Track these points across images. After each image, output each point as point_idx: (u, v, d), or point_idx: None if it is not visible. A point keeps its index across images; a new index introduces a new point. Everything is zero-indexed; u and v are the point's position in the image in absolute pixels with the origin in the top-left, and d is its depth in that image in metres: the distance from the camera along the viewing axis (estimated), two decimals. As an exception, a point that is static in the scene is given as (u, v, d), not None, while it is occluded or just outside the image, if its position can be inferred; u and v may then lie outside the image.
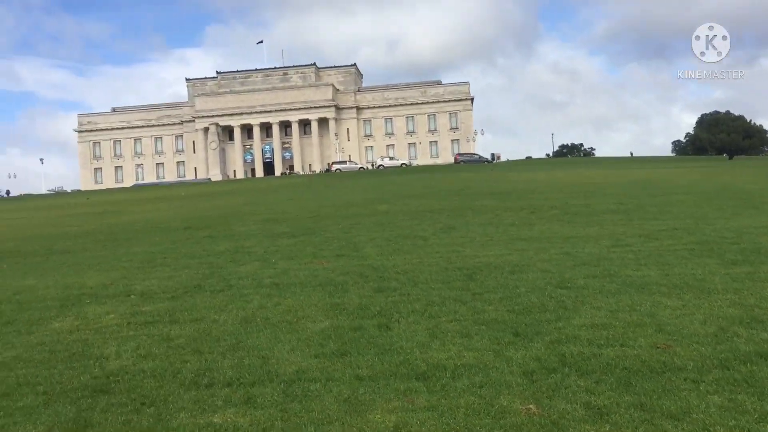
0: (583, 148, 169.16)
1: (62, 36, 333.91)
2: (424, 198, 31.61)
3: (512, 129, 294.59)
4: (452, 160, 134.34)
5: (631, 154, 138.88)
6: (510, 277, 11.78)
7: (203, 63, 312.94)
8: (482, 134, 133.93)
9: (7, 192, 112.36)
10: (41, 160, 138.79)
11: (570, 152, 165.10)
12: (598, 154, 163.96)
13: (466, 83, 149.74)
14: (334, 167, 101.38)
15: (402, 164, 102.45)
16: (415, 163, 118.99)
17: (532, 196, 29.56)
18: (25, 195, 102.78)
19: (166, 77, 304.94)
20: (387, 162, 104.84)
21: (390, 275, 12.49)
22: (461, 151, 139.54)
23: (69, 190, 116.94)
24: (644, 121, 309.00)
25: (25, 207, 58.74)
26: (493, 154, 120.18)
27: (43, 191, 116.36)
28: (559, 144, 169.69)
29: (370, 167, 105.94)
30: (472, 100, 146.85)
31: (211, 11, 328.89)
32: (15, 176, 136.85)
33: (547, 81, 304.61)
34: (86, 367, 7.95)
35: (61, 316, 10.83)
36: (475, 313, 9.40)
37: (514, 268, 12.50)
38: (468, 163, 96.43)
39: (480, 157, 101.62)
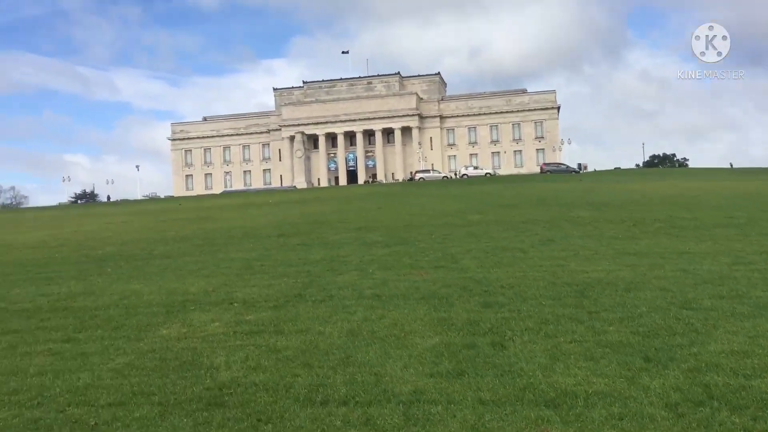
0: (675, 159, 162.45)
1: (157, 48, 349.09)
2: (515, 208, 30.81)
3: (598, 139, 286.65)
4: (537, 170, 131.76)
5: (731, 165, 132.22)
6: (626, 295, 11.07)
7: (288, 73, 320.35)
8: (569, 143, 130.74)
9: (108, 197, 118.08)
10: (137, 167, 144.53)
11: (661, 163, 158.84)
12: (692, 164, 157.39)
13: (553, 92, 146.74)
14: (418, 176, 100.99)
15: (486, 173, 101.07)
16: (498, 172, 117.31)
17: (631, 208, 28.32)
18: (122, 200, 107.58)
19: (254, 87, 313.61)
20: (471, 171, 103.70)
21: (495, 289, 12.00)
22: (547, 161, 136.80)
23: (162, 196, 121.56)
24: (741, 131, 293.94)
25: (124, 212, 61.07)
26: (579, 164, 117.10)
27: (139, 197, 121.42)
28: (650, 154, 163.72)
29: (453, 176, 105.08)
30: (558, 108, 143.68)
31: (297, 23, 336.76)
32: (112, 182, 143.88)
33: (636, 89, 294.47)
34: (198, 378, 7.85)
35: (168, 322, 10.89)
36: (596, 333, 8.81)
37: (629, 285, 11.77)
38: (554, 173, 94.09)
39: (567, 167, 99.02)
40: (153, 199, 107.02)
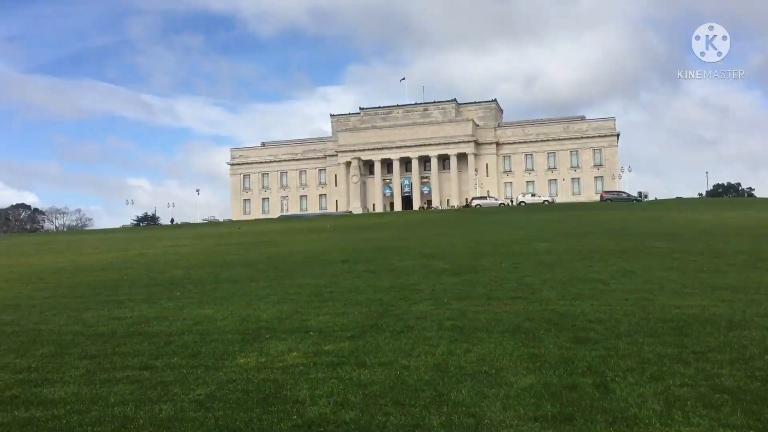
0: (741, 188, 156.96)
1: (217, 76, 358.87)
2: (583, 237, 29.87)
3: (657, 167, 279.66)
4: (595, 198, 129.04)
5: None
6: (729, 333, 10.29)
7: (344, 99, 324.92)
8: (629, 171, 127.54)
9: (172, 220, 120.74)
10: (197, 191, 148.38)
11: (726, 192, 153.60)
12: (758, 194, 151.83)
13: (612, 119, 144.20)
14: (474, 203, 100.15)
15: (544, 201, 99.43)
16: (556, 200, 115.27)
17: (707, 239, 27.11)
18: (183, 223, 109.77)
19: (310, 113, 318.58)
20: (528, 198, 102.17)
21: (583, 324, 11.34)
22: (606, 189, 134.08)
23: (221, 220, 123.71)
24: None
25: (185, 235, 62.01)
26: (640, 193, 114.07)
27: (198, 220, 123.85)
28: (713, 183, 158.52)
29: (509, 203, 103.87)
30: (617, 136, 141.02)
31: (353, 51, 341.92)
32: (173, 205, 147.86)
33: (695, 117, 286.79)
34: (284, 413, 7.47)
35: (244, 350, 10.59)
36: (708, 377, 8.10)
37: (730, 323, 10.96)
38: (615, 201, 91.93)
39: (628, 195, 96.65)
40: (212, 223, 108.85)
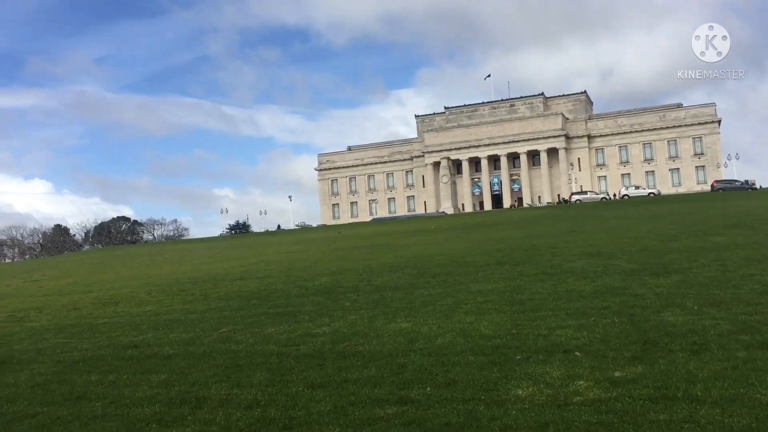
0: None
1: (294, 86, 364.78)
2: (752, 228, 26.68)
3: (749, 156, 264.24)
4: (697, 189, 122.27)
5: None
6: None
7: (416, 102, 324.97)
8: (737, 159, 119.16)
9: (278, 226, 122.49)
10: (290, 197, 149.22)
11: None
12: None
13: (712, 104, 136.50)
14: (573, 198, 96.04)
15: (650, 194, 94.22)
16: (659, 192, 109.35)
17: None
18: (279, 229, 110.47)
19: (385, 116, 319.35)
20: (632, 191, 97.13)
21: None
22: (711, 178, 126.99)
23: (314, 225, 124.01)
24: None
25: (289, 240, 61.21)
26: (746, 181, 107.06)
27: (292, 226, 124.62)
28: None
29: (611, 197, 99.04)
30: (719, 122, 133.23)
31: (423, 55, 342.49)
32: (265, 213, 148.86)
33: None
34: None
35: (510, 378, 8.60)
36: None
37: None
38: (727, 190, 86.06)
39: (742, 183, 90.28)
40: (306, 228, 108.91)
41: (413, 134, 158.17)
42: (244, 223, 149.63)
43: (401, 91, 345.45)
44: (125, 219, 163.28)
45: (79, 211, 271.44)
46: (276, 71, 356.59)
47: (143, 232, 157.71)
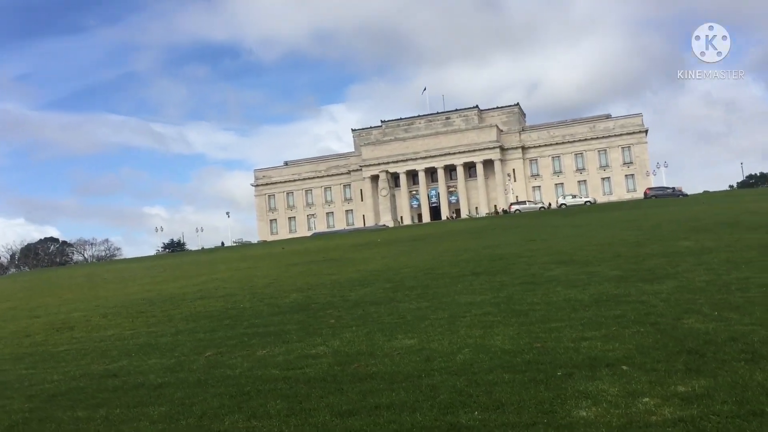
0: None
1: (225, 103, 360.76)
2: (712, 232, 27.02)
3: (670, 164, 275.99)
4: (627, 197, 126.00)
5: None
6: None
7: (348, 117, 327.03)
8: (665, 167, 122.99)
9: (222, 243, 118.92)
10: (227, 213, 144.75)
11: (759, 182, 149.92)
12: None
13: (639, 115, 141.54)
14: (513, 208, 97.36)
15: (586, 202, 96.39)
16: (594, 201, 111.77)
17: None
18: (218, 247, 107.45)
19: (318, 132, 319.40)
20: (569, 200, 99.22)
21: None
22: (638, 187, 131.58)
23: (254, 241, 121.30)
24: None
25: (234, 257, 59.20)
26: (673, 188, 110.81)
27: (229, 243, 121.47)
28: (747, 174, 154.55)
29: (548, 207, 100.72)
30: (646, 132, 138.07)
31: (353, 72, 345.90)
32: (202, 230, 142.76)
33: (701, 113, 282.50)
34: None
35: (565, 397, 7.76)
36: None
37: None
38: (660, 197, 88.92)
39: (673, 190, 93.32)
40: (245, 245, 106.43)
41: (347, 149, 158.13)
42: (179, 241, 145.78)
43: (333, 106, 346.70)
44: (53, 240, 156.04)
45: (2, 233, 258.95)
46: (206, 88, 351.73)
47: (73, 253, 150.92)
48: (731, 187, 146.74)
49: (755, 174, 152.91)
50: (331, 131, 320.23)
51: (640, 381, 8.06)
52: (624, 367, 8.69)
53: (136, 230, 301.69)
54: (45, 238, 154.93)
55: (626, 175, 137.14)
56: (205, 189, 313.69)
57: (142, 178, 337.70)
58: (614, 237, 30.14)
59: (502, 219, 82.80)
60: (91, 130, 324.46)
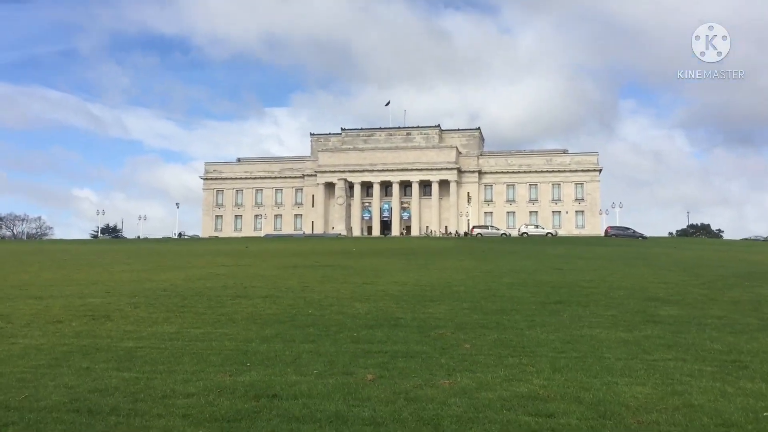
0: (713, 229, 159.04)
1: (169, 93, 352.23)
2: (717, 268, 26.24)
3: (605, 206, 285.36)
4: (575, 233, 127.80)
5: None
6: None
7: (289, 122, 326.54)
8: (620, 207, 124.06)
9: (179, 234, 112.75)
10: (177, 204, 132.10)
11: (699, 232, 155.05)
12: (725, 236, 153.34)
13: (595, 153, 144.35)
14: (475, 231, 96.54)
15: (548, 234, 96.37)
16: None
17: None
18: (166, 238, 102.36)
19: (261, 132, 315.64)
20: (531, 230, 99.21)
21: None
22: (589, 224, 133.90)
23: (201, 236, 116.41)
24: (736, 207, 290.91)
25: (207, 251, 55.55)
26: (634, 230, 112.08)
27: (170, 235, 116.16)
28: (687, 224, 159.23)
29: (509, 234, 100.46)
30: (599, 171, 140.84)
31: (299, 80, 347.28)
32: (145, 218, 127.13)
33: (631, 161, 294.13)
34: None
35: None
36: None
37: None
38: (620, 237, 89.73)
39: (634, 231, 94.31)
40: (193, 239, 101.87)
41: (288, 152, 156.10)
42: (115, 227, 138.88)
43: (277, 109, 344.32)
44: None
45: None
46: (151, 77, 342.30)
47: (1, 227, 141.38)
48: (671, 234, 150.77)
49: (696, 224, 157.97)
50: (272, 134, 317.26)
51: None
52: None
53: (63, 212, 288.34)
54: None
55: (577, 211, 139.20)
56: (139, 177, 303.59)
57: (74, 159, 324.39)
58: (656, 276, 28.93)
59: (468, 241, 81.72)
60: (25, 103, 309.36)
